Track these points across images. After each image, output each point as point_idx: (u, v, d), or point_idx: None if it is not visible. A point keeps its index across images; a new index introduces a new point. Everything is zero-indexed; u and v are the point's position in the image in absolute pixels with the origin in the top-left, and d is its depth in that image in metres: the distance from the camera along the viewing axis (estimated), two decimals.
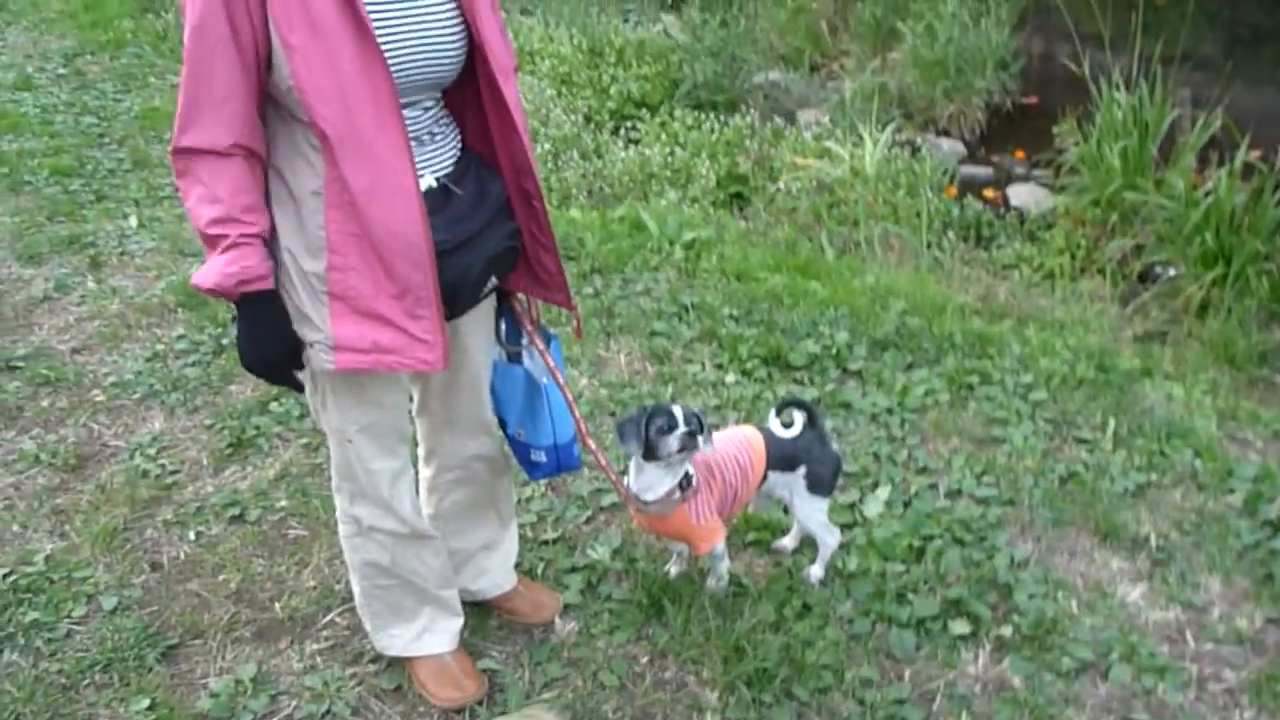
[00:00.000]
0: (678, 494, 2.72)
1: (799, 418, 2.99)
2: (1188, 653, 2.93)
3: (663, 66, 8.58)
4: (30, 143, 6.90)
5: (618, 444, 2.76)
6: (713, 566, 2.99)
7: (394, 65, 2.10)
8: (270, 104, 2.12)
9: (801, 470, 2.94)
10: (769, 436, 2.97)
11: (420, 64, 2.17)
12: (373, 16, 2.05)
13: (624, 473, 2.87)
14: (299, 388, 2.39)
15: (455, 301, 2.29)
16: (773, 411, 3.07)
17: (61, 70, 8.54)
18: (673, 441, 2.64)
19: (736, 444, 2.92)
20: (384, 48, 2.06)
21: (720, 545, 2.89)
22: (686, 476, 2.73)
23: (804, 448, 2.95)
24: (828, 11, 9.94)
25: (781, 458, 2.94)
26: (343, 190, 2.09)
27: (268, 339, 2.22)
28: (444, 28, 2.19)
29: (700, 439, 2.68)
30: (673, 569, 3.10)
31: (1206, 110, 6.25)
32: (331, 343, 2.20)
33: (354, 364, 2.22)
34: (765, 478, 2.94)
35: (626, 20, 10.08)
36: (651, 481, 2.73)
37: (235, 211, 2.06)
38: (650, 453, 2.68)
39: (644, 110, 8.02)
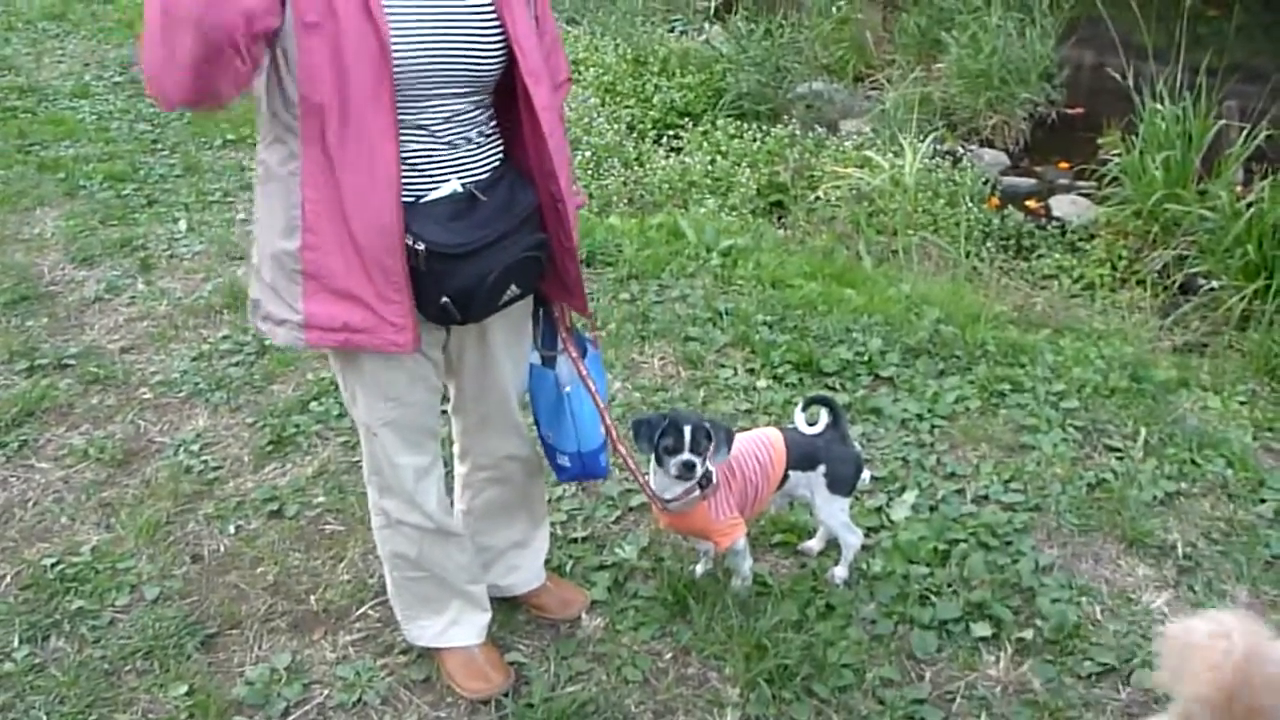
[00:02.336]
0: (697, 492, 2.77)
1: (824, 415, 3.03)
2: None
3: (707, 76, 8.59)
4: (86, 148, 7.04)
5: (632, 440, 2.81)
6: (736, 565, 3.03)
7: (415, 51, 2.13)
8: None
9: (821, 469, 2.97)
10: (789, 435, 3.01)
11: (447, 54, 2.19)
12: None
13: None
14: None
15: (469, 306, 2.30)
16: (798, 408, 3.11)
17: (118, 78, 8.69)
18: (672, 466, 2.71)
19: (757, 443, 2.97)
20: (400, 30, 2.10)
21: (741, 542, 2.93)
22: (706, 474, 2.76)
23: (824, 446, 2.98)
24: (873, 22, 9.92)
25: (802, 456, 2.97)
26: (321, 169, 2.13)
27: None
28: (475, 22, 2.22)
29: (700, 461, 2.71)
30: (699, 568, 3.14)
31: (1252, 122, 6.19)
32: (303, 321, 2.24)
33: (322, 341, 2.26)
34: (786, 477, 2.98)
35: (672, 30, 10.11)
36: (667, 483, 2.79)
37: None
38: (659, 461, 2.75)
39: (687, 119, 8.06)
